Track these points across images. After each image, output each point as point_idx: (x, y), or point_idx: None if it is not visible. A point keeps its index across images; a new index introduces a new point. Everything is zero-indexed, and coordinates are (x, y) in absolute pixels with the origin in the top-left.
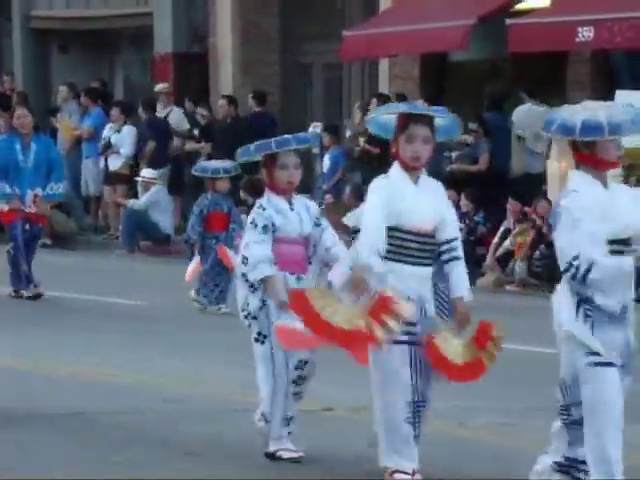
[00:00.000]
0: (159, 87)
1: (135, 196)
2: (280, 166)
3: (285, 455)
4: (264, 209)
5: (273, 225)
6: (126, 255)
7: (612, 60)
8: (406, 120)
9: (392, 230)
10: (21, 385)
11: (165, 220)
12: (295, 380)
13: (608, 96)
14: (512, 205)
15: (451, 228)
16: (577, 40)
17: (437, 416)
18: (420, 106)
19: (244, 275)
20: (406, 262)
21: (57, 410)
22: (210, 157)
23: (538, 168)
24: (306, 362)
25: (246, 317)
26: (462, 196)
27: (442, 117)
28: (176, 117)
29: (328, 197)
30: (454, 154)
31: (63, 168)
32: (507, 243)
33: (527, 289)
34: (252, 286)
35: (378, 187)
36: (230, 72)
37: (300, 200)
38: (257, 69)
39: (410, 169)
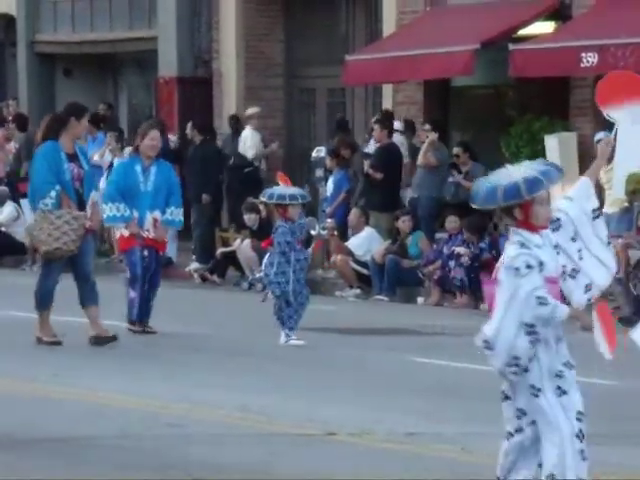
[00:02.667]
0: (250, 111)
1: None
2: (538, 202)
3: None
4: (529, 248)
5: (541, 264)
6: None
7: None
8: None
9: None
10: (17, 410)
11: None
12: (577, 434)
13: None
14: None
15: None
16: (581, 65)
17: (440, 441)
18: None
19: (531, 325)
20: None
21: (54, 434)
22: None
23: None
24: (582, 414)
25: (516, 372)
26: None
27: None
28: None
29: (330, 221)
30: (458, 177)
31: (181, 194)
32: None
33: None
34: (537, 338)
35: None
36: (234, 97)
37: (545, 235)
38: (261, 94)
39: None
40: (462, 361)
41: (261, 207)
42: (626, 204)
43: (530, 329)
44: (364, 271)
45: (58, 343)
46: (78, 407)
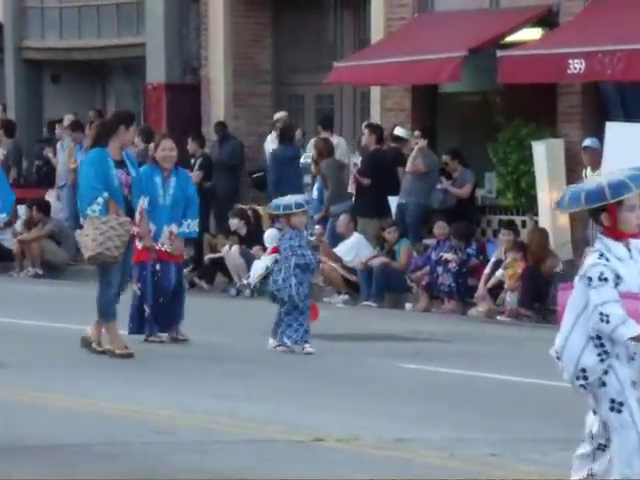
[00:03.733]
0: (277, 115)
1: None
2: (627, 207)
3: None
4: (607, 259)
5: (617, 277)
6: None
7: (603, 92)
8: None
9: None
10: (6, 416)
11: None
12: None
13: (599, 128)
14: (503, 235)
15: None
16: (568, 72)
17: (428, 447)
18: None
19: (599, 338)
20: None
21: (43, 441)
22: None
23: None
24: None
25: (583, 385)
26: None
27: None
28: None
29: (318, 228)
30: (446, 183)
31: (198, 205)
32: (498, 274)
33: (518, 319)
34: (605, 351)
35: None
36: (222, 103)
37: (635, 246)
38: (249, 101)
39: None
40: (450, 367)
41: (249, 213)
42: None
43: (598, 342)
44: (352, 277)
45: (130, 355)
46: (65, 414)
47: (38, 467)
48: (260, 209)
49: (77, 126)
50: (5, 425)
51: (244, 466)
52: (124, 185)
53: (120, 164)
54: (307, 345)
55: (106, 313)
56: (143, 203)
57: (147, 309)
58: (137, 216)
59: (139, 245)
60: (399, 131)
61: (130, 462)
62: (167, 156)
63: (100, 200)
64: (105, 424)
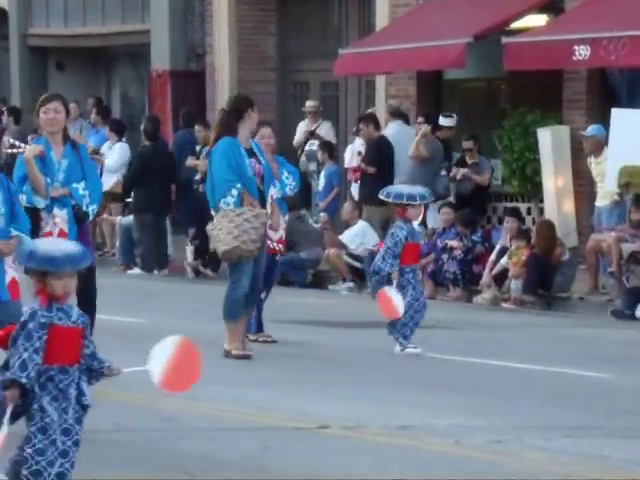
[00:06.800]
0: (310, 104)
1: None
2: None
3: None
4: None
5: None
6: (122, 272)
7: (608, 78)
8: None
9: None
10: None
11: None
12: None
13: (604, 114)
14: (507, 222)
15: None
16: (574, 58)
17: (433, 435)
18: None
19: None
20: None
21: None
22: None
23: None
24: None
25: None
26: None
27: None
28: (325, 128)
29: (323, 215)
30: (460, 171)
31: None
32: (503, 261)
33: (523, 306)
34: None
35: None
36: (227, 90)
37: None
38: (254, 87)
39: None
40: (455, 354)
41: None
42: (616, 197)
43: None
44: (357, 264)
45: (247, 357)
46: None
47: None
48: None
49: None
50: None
51: (249, 453)
52: (257, 175)
53: (250, 153)
54: (412, 345)
55: (230, 313)
56: (275, 193)
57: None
58: (268, 207)
59: (274, 237)
60: (444, 121)
61: (135, 449)
62: (267, 144)
63: (234, 192)
64: (110, 411)
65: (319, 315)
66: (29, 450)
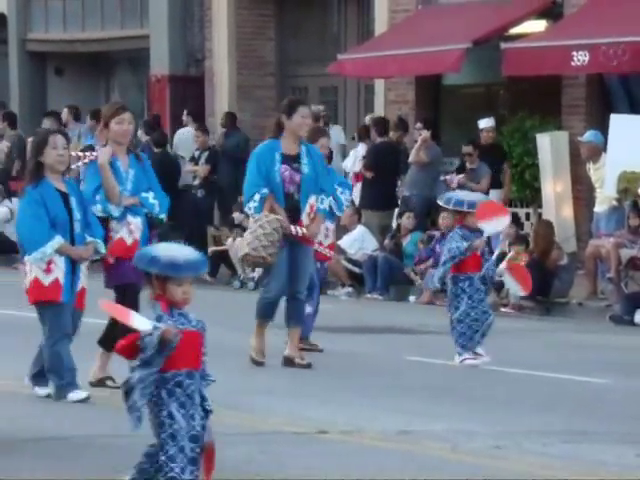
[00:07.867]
0: (315, 108)
1: None
2: None
3: None
4: None
5: None
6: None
7: (607, 84)
8: None
9: None
10: (7, 409)
11: None
12: None
13: (603, 119)
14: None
15: None
16: (572, 64)
17: (430, 440)
18: None
19: None
20: None
21: (44, 434)
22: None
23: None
24: None
25: None
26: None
27: None
28: (336, 132)
29: None
30: (456, 178)
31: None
32: (502, 266)
33: (522, 312)
34: None
35: None
36: (226, 95)
37: None
38: (253, 93)
39: None
40: (454, 359)
41: None
42: (614, 203)
43: None
44: (356, 269)
45: (260, 364)
46: (69, 405)
47: (42, 460)
48: None
49: (78, 117)
50: (7, 418)
51: (248, 458)
52: (288, 182)
53: (292, 159)
54: (466, 355)
55: (259, 312)
56: (319, 203)
57: (309, 308)
58: (304, 217)
59: (325, 242)
60: (483, 122)
61: (134, 454)
62: (322, 145)
63: (257, 197)
64: (109, 416)
65: (318, 320)
66: (163, 457)
